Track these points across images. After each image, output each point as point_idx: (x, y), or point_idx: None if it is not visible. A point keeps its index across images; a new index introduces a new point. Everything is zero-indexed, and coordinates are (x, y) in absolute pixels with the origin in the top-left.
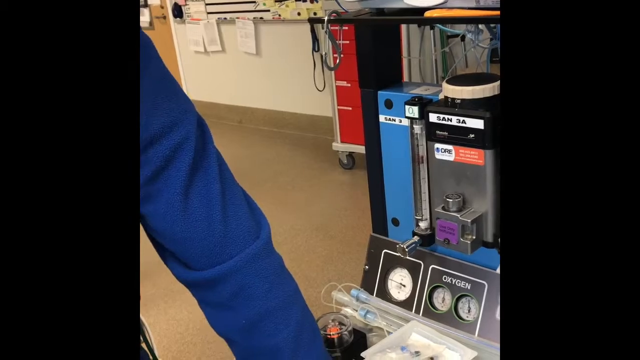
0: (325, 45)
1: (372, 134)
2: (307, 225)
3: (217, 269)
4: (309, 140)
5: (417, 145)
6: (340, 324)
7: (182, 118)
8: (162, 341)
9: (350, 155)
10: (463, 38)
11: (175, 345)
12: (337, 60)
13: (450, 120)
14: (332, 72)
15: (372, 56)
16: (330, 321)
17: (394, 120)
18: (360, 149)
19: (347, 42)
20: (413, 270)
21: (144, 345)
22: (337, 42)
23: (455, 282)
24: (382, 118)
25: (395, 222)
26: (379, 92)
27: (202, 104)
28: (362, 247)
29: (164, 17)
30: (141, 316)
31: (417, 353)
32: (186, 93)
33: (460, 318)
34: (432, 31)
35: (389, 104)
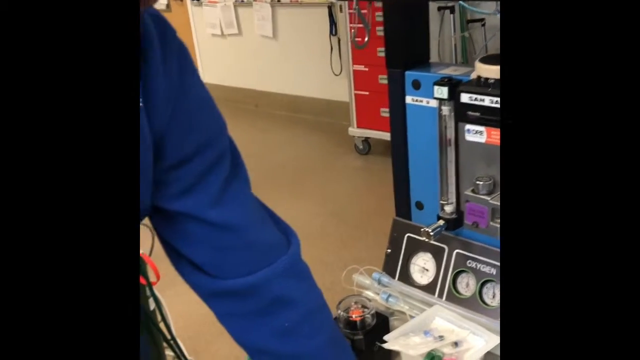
0: (346, 26)
1: (397, 116)
2: (322, 210)
3: (261, 273)
4: (325, 125)
5: (445, 127)
6: (363, 307)
7: (217, 137)
8: (179, 321)
9: (366, 140)
10: (483, 23)
11: (193, 325)
12: (366, 38)
13: (483, 101)
14: (349, 56)
15: (400, 35)
16: (353, 304)
17: (422, 102)
18: (376, 134)
19: (361, 25)
20: (437, 254)
21: (162, 324)
22: (365, 20)
23: (480, 267)
24: (408, 99)
25: (420, 205)
26: (407, 72)
27: (218, 87)
28: (377, 233)
29: (181, 0)
30: (159, 296)
31: (440, 337)
32: (202, 76)
33: (485, 303)
34: (451, 15)
35: (416, 85)
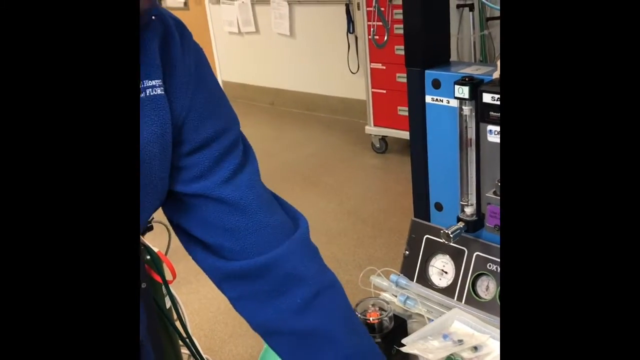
0: (364, 24)
1: (417, 115)
2: (339, 209)
3: (271, 253)
4: (342, 124)
5: (466, 127)
6: (381, 309)
7: (232, 125)
8: (195, 319)
9: (383, 139)
10: None
11: (207, 323)
12: (385, 38)
13: None
14: (367, 54)
15: (420, 34)
16: (370, 306)
17: (442, 101)
18: (393, 132)
19: (380, 23)
20: (456, 256)
21: (177, 322)
22: (385, 19)
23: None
24: (428, 99)
25: (439, 207)
26: (426, 71)
27: (234, 85)
28: (393, 232)
29: None
30: (175, 294)
31: (459, 341)
32: (219, 74)
33: None
34: (471, 13)
35: (436, 84)
